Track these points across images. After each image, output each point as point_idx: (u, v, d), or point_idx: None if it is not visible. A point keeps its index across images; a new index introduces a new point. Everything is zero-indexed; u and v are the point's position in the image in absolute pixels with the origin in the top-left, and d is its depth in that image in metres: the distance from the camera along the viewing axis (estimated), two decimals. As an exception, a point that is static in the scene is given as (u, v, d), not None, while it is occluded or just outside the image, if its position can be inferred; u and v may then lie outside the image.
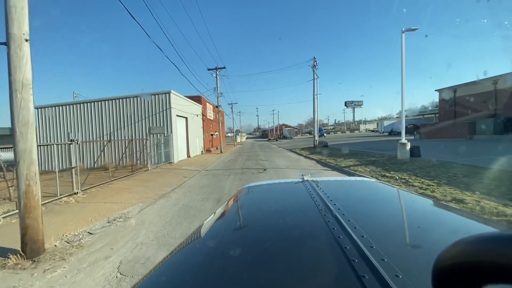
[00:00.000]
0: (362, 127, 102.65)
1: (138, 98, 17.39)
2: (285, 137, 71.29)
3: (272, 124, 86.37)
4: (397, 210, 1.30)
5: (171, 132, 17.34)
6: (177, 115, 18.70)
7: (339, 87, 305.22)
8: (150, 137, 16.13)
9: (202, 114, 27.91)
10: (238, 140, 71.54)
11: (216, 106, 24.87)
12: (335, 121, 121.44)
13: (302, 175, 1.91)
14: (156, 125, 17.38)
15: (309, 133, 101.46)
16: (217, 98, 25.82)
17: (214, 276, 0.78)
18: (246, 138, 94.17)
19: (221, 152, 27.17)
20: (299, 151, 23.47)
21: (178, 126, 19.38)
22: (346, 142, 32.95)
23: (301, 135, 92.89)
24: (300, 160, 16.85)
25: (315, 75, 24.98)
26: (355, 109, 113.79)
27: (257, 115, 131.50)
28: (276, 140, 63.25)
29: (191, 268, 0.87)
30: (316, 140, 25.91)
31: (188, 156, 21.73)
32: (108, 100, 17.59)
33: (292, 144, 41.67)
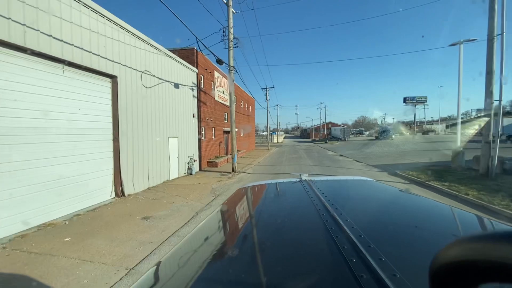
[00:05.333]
0: (436, 127, 78.05)
1: None
2: (335, 138, 53.47)
3: (319, 120, 68.48)
4: (394, 209, 1.28)
5: None
6: None
7: (390, 83, 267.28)
8: None
9: (200, 89, 13.53)
10: (275, 140, 56.34)
11: (218, 59, 9.75)
12: (381, 121, 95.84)
13: (300, 174, 1.89)
14: None
15: (360, 133, 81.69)
16: (228, 44, 10.89)
17: (209, 274, 0.78)
18: (284, 138, 78.21)
19: (233, 170, 12.41)
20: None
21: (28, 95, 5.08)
22: None
23: (354, 136, 73.33)
24: None
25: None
26: (416, 107, 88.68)
27: (296, 113, 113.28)
28: (325, 142, 46.41)
29: (188, 266, 0.86)
30: (494, 156, 9.07)
31: (117, 194, 7.38)
32: None
33: (358, 150, 24.88)
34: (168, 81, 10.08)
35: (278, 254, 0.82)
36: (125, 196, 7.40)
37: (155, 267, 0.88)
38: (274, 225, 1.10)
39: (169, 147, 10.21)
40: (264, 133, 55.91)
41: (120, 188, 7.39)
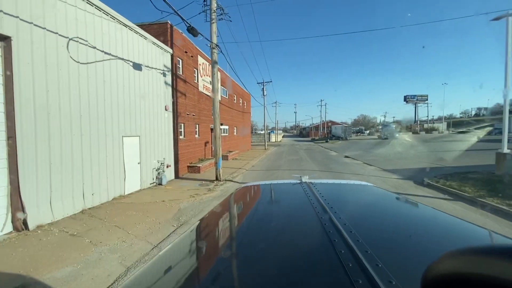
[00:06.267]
0: (439, 126, 75.30)
1: None
2: (336, 137, 50.69)
3: (318, 119, 65.39)
4: (393, 216, 1.26)
5: None
6: None
7: (391, 83, 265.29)
8: None
9: (177, 75, 10.80)
10: (273, 139, 53.46)
11: (190, 27, 7.01)
12: (381, 120, 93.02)
13: (300, 176, 1.87)
14: None
15: (360, 132, 79.05)
16: (211, 14, 8.16)
17: (205, 275, 0.76)
18: (282, 137, 75.21)
19: (216, 178, 9.71)
20: None
21: None
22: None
23: (356, 135, 70.57)
24: None
25: None
26: (417, 105, 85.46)
27: (295, 112, 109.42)
28: (326, 142, 43.69)
29: (182, 266, 0.84)
30: None
31: (17, 227, 4.60)
32: None
33: (364, 150, 22.11)
34: (122, 59, 7.32)
35: (274, 255, 0.81)
36: (28, 229, 4.67)
37: (146, 264, 0.85)
38: (271, 226, 1.09)
39: (124, 150, 7.46)
40: (262, 132, 53.07)
41: (22, 216, 4.66)
